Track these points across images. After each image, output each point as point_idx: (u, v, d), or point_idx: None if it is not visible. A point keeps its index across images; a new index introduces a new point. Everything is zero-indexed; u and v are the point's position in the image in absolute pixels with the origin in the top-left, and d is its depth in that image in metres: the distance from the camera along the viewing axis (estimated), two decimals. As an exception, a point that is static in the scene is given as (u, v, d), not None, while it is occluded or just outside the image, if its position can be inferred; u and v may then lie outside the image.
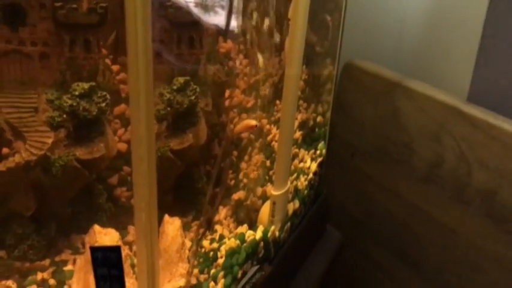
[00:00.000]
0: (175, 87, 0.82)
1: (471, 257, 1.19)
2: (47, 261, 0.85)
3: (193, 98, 0.81)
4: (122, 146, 0.94)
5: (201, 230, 0.78)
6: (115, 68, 1.01)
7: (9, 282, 0.79)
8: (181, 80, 0.82)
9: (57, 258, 0.86)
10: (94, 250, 0.55)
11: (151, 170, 0.52)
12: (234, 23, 0.89)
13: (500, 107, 1.19)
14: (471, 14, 1.30)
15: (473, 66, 1.31)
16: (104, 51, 0.87)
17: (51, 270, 0.84)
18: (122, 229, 0.90)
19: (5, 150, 0.84)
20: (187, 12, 0.85)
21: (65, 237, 0.88)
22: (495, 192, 1.14)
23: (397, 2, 1.48)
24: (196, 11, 0.86)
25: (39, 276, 0.82)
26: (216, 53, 0.87)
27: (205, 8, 0.92)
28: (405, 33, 1.51)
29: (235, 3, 0.89)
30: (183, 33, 0.85)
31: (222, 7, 0.88)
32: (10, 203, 0.82)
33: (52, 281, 0.82)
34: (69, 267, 0.84)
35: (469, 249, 1.19)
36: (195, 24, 0.86)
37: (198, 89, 0.82)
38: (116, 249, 0.55)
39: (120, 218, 0.94)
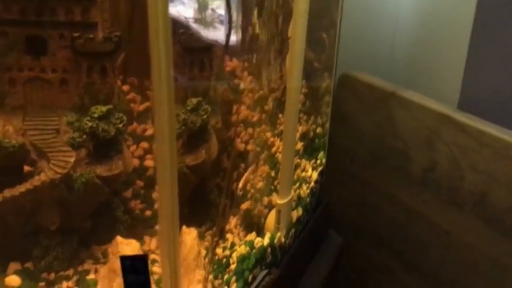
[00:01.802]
0: (189, 108, 0.89)
1: (465, 256, 1.26)
2: (70, 271, 0.92)
3: (205, 117, 0.89)
4: (135, 162, 1.01)
5: (215, 239, 0.84)
6: (125, 88, 1.09)
7: (38, 291, 0.86)
8: (194, 100, 0.90)
9: (79, 268, 0.93)
10: (124, 259, 0.62)
11: (174, 185, 0.59)
12: (238, 42, 0.96)
13: (488, 114, 1.26)
14: (459, 26, 1.37)
15: (462, 76, 1.39)
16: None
17: (75, 279, 0.90)
18: (138, 239, 0.97)
19: (30, 169, 0.91)
20: (198, 38, 0.92)
21: (86, 248, 0.95)
22: (486, 193, 1.21)
23: (389, 16, 1.56)
24: (205, 35, 0.93)
25: (64, 285, 0.89)
26: (223, 73, 0.94)
27: (213, 29, 1.00)
28: (397, 45, 1.59)
29: (238, 22, 0.97)
30: (194, 57, 0.92)
31: (227, 28, 0.95)
32: (37, 218, 0.88)
33: (76, 289, 0.88)
34: (91, 276, 0.91)
35: (463, 249, 1.26)
36: (206, 48, 0.93)
37: (209, 109, 0.89)
38: (143, 258, 0.62)
39: (136, 228, 1.01)
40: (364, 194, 1.49)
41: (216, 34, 1.04)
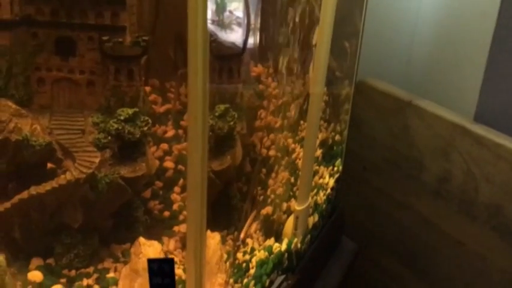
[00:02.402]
0: (217, 114, 0.91)
1: (478, 268, 1.26)
2: (91, 269, 0.93)
3: (232, 123, 0.90)
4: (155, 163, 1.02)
5: (237, 243, 0.86)
6: (146, 89, 1.10)
7: (60, 287, 0.87)
8: (222, 107, 0.91)
9: (99, 266, 0.94)
10: (151, 262, 0.64)
11: (203, 190, 0.61)
12: (263, 48, 0.97)
13: (505, 126, 1.27)
14: (478, 36, 1.38)
15: (480, 87, 1.39)
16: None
17: (95, 277, 0.92)
18: (156, 240, 0.98)
19: (53, 166, 0.93)
20: (228, 46, 0.93)
21: (106, 247, 0.97)
22: (501, 206, 1.21)
23: (407, 24, 1.57)
24: (233, 42, 0.94)
25: (85, 282, 0.91)
26: (250, 79, 0.96)
27: (235, 33, 1.01)
28: (414, 53, 1.59)
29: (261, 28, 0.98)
30: (223, 64, 0.93)
31: (247, 33, 0.96)
32: (60, 215, 0.90)
33: (96, 287, 0.90)
34: (111, 274, 0.93)
35: (476, 260, 1.26)
36: (234, 56, 0.95)
37: (236, 115, 0.91)
38: (170, 261, 0.64)
39: (154, 229, 1.02)
40: (376, 201, 1.50)
41: (240, 39, 1.06)
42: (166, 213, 1.06)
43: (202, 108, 0.56)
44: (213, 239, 0.81)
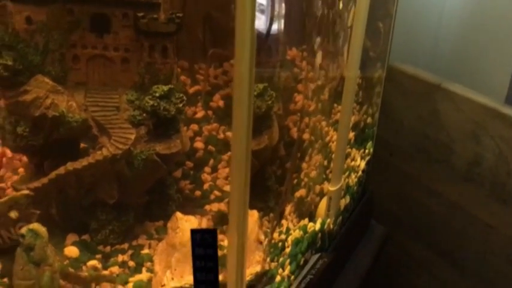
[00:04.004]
0: (255, 93, 0.90)
1: (509, 252, 1.24)
2: (125, 245, 0.94)
3: (270, 102, 0.89)
4: (185, 143, 1.02)
5: (275, 223, 0.86)
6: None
7: (95, 262, 0.88)
8: (260, 86, 0.91)
9: (134, 243, 0.95)
10: (194, 232, 0.63)
11: (247, 166, 0.60)
12: (298, 31, 0.96)
13: (539, 109, 1.24)
14: (509, 16, 1.34)
15: (512, 70, 1.36)
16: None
17: (130, 253, 0.93)
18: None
19: (85, 146, 0.94)
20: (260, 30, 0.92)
21: (140, 223, 0.97)
22: (534, 190, 1.19)
23: (434, 5, 1.54)
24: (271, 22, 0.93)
25: (120, 258, 0.91)
26: (286, 60, 0.95)
27: (277, 18, 1.01)
28: (442, 35, 1.56)
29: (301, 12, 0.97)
30: (261, 42, 0.92)
31: (289, 17, 0.96)
32: (96, 191, 0.91)
33: (131, 263, 0.91)
34: (145, 251, 0.93)
35: (508, 244, 1.24)
36: (272, 35, 0.94)
37: (274, 94, 0.90)
38: (213, 232, 0.63)
39: (186, 208, 1.03)
40: (404, 187, 1.48)
41: (264, 25, 1.05)
42: (198, 193, 1.07)
43: (248, 88, 0.56)
44: (252, 216, 0.80)
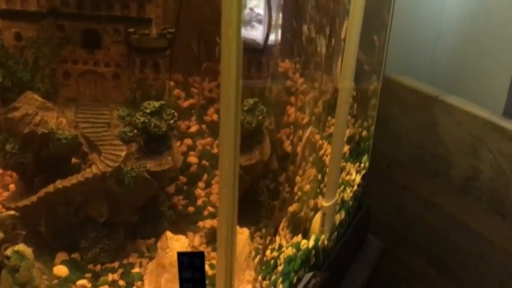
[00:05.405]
0: (245, 108, 0.89)
1: (509, 267, 1.22)
2: (116, 264, 0.92)
3: (260, 117, 0.88)
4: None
5: (268, 240, 0.84)
6: (171, 83, 1.09)
7: (85, 282, 0.87)
8: (251, 101, 0.90)
9: (125, 261, 0.93)
10: (181, 255, 0.62)
11: (235, 185, 0.59)
12: (290, 43, 0.95)
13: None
14: (506, 29, 1.34)
15: (510, 81, 1.35)
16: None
17: (120, 272, 0.91)
18: (180, 234, 0.97)
19: (77, 161, 0.92)
20: (254, 42, 0.91)
21: (131, 241, 0.96)
22: (532, 205, 1.17)
23: (432, 18, 1.53)
24: (254, 39, 0.92)
25: (110, 277, 0.90)
26: (278, 74, 0.94)
27: (263, 33, 1.00)
28: (440, 49, 1.56)
29: (292, 24, 0.96)
30: (253, 58, 0.92)
31: (283, 30, 0.94)
32: (86, 209, 0.89)
33: (121, 282, 0.89)
34: (136, 269, 0.92)
35: (507, 259, 1.22)
36: (263, 49, 0.93)
37: (265, 109, 0.89)
38: (200, 255, 0.62)
39: (179, 224, 1.01)
40: (401, 199, 1.46)
41: (261, 36, 1.04)
42: (191, 209, 1.05)
43: (235, 102, 0.55)
44: (242, 234, 0.79)
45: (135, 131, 0.89)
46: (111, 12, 0.89)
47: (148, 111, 0.87)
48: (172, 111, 0.89)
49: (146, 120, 0.87)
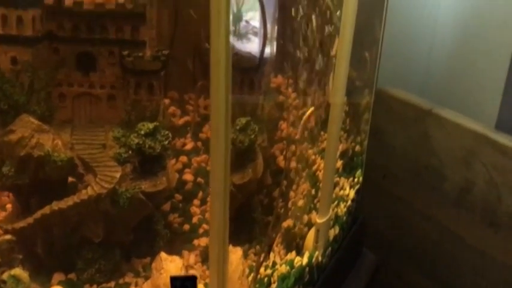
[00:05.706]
0: (238, 127, 0.91)
1: (503, 278, 1.24)
2: (112, 284, 0.93)
3: (253, 136, 0.90)
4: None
5: (262, 258, 0.85)
6: (166, 101, 1.11)
7: (82, 303, 0.87)
8: (243, 120, 0.91)
9: (121, 281, 0.94)
10: (173, 279, 0.63)
11: (226, 204, 0.60)
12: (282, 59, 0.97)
13: (528, 135, 1.24)
14: (498, 44, 1.35)
15: (502, 94, 1.36)
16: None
17: (116, 291, 0.92)
18: (177, 253, 0.98)
19: (73, 180, 0.93)
20: (249, 59, 0.93)
21: (127, 261, 0.97)
22: (525, 217, 1.19)
23: (425, 32, 1.55)
24: (250, 52, 0.94)
25: (106, 297, 0.91)
26: (270, 90, 0.95)
27: (251, 43, 1.01)
28: (433, 62, 1.57)
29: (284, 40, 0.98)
30: (245, 76, 0.93)
31: (272, 44, 0.96)
32: (82, 230, 0.90)
33: (118, 302, 0.90)
34: (132, 289, 0.93)
35: (501, 270, 1.24)
36: (256, 68, 0.94)
37: (257, 128, 0.90)
38: (193, 279, 0.63)
39: (174, 243, 1.02)
40: (396, 211, 1.48)
41: (257, 49, 1.05)
42: (186, 227, 1.06)
43: (224, 121, 0.56)
44: (235, 254, 0.80)
45: (130, 152, 0.90)
46: (106, 35, 0.90)
47: (142, 132, 0.89)
48: (167, 132, 0.90)
49: (141, 142, 0.88)
